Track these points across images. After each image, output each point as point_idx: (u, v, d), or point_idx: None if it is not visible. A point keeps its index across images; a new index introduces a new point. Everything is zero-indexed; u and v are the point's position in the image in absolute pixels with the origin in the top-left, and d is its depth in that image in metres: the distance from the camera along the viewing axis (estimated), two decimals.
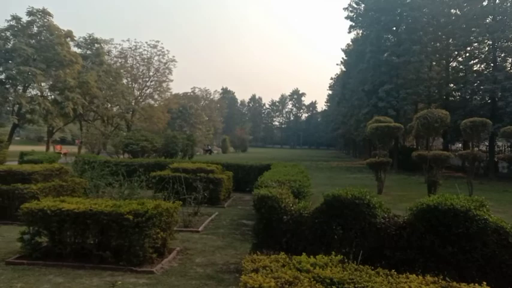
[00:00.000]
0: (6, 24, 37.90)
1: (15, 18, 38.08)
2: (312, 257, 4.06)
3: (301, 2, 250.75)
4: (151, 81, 57.40)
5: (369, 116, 33.50)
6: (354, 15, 43.06)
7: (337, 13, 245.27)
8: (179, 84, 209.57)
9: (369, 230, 5.67)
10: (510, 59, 32.66)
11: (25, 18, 38.78)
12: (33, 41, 39.14)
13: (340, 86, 67.06)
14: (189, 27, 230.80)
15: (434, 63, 40.08)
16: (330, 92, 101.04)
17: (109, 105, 49.60)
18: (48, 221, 6.75)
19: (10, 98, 36.74)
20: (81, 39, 45.75)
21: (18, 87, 38.29)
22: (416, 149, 32.42)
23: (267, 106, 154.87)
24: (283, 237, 6.00)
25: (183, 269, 6.68)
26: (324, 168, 37.10)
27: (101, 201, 7.40)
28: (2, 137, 26.91)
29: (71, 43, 43.56)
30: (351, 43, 58.01)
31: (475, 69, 34.23)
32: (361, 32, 45.31)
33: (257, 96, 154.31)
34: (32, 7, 38.88)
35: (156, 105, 58.32)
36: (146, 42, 58.05)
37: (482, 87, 30.99)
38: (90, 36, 46.05)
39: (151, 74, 57.03)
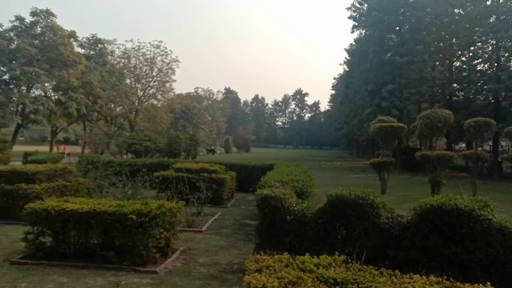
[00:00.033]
0: (10, 25, 38.21)
1: (19, 18, 38.29)
2: (315, 257, 4.05)
3: (301, 2, 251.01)
4: (154, 82, 57.61)
5: (372, 115, 33.45)
6: (357, 15, 43.04)
7: (337, 13, 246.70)
8: (179, 84, 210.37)
9: (373, 230, 5.66)
10: None
11: (28, 19, 39.04)
12: (37, 41, 39.35)
13: (343, 85, 66.98)
14: (189, 27, 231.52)
15: (437, 63, 39.94)
16: (333, 92, 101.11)
17: (112, 105, 49.76)
18: (52, 221, 6.77)
19: (14, 98, 36.90)
20: (84, 40, 45.98)
21: (22, 88, 38.47)
22: (419, 149, 32.30)
23: (270, 106, 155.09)
24: (286, 237, 5.99)
25: (187, 269, 6.68)
26: (327, 168, 37.05)
27: (104, 201, 7.41)
28: (6, 137, 27.04)
29: (74, 43, 43.77)
30: (353, 43, 57.99)
31: (478, 69, 34.11)
32: (364, 31, 45.33)
33: (260, 96, 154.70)
34: (36, 7, 39.17)
35: (159, 105, 58.49)
36: (149, 43, 58.33)
37: (485, 87, 30.85)
38: (93, 37, 46.24)
39: (154, 74, 57.24)
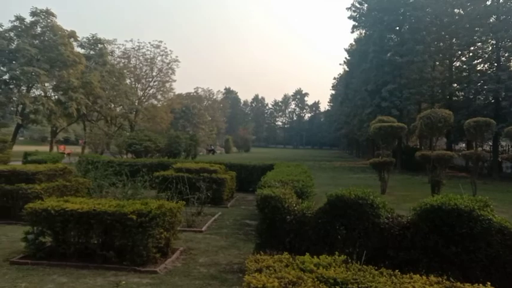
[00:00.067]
0: (10, 25, 38.20)
1: (19, 18, 38.29)
2: (315, 257, 4.05)
3: (301, 2, 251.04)
4: (154, 82, 57.62)
5: (372, 115, 33.45)
6: (357, 15, 43.05)
7: (337, 13, 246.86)
8: (179, 84, 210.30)
9: (373, 230, 5.66)
10: None
11: (28, 19, 39.03)
12: (37, 41, 39.35)
13: (343, 85, 66.99)
14: (189, 27, 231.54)
15: (437, 63, 39.96)
16: (333, 92, 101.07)
17: (112, 105, 49.76)
18: (52, 221, 6.77)
19: (14, 98, 36.90)
20: (84, 40, 45.98)
21: (22, 88, 38.46)
22: (419, 149, 32.31)
23: (270, 106, 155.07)
24: (286, 237, 5.99)
25: (187, 269, 6.69)
26: (327, 168, 37.05)
27: (104, 201, 7.41)
28: (6, 137, 27.04)
29: (74, 43, 43.77)
30: (353, 43, 57.99)
31: (478, 69, 34.11)
32: (364, 31, 45.34)
33: (260, 96, 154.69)
34: (36, 7, 39.17)
35: (159, 105, 58.50)
36: (149, 43, 58.35)
37: (485, 87, 30.86)
38: (93, 37, 46.25)
39: (154, 74, 57.25)
